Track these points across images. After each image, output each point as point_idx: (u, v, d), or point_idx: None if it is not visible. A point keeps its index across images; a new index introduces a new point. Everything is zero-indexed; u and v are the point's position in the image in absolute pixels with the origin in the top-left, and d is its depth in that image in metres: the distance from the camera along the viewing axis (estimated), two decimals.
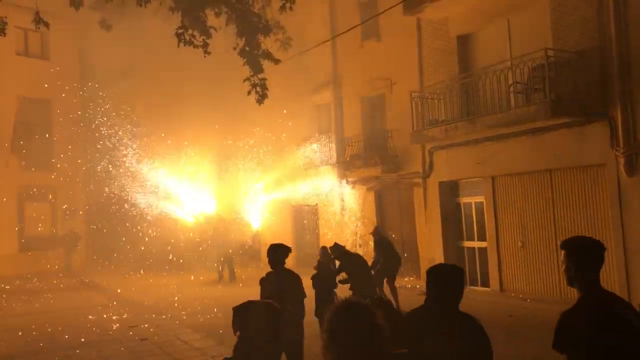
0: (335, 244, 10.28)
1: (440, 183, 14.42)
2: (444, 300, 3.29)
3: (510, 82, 11.72)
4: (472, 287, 13.65)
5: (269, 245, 6.25)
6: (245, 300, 4.77)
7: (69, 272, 21.35)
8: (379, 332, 2.30)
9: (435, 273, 3.38)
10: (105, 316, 12.39)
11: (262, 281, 6.18)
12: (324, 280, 8.69)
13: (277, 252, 6.11)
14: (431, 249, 14.58)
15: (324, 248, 10.64)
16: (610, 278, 10.23)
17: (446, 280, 3.32)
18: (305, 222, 20.37)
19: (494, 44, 13.15)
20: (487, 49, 13.35)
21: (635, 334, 2.95)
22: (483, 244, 13.51)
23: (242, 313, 4.51)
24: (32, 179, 22.30)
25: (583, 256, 3.17)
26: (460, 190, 14.40)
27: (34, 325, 11.42)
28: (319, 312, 8.06)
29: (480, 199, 13.67)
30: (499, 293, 12.76)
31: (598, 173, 10.98)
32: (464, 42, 13.88)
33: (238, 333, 4.45)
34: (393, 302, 9.73)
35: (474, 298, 12.72)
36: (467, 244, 14.05)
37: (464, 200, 14.28)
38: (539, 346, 8.40)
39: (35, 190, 22.45)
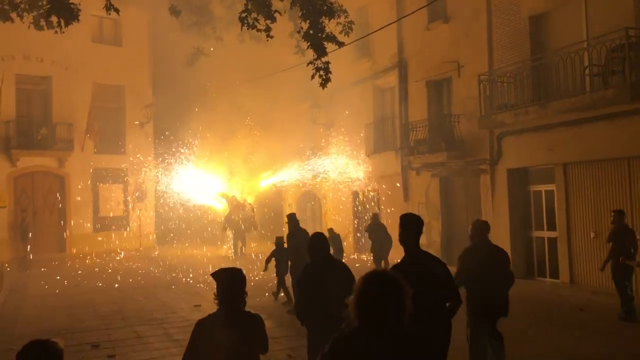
0: (290, 215, 10.92)
1: (509, 170, 13.90)
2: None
3: (586, 64, 11.09)
4: (540, 279, 13.18)
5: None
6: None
7: (140, 251, 22.25)
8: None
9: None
10: (171, 295, 12.81)
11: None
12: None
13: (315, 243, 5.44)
14: (498, 239, 14.00)
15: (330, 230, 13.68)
16: None
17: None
18: (367, 207, 20.22)
19: (569, 24, 12.46)
20: (562, 30, 12.67)
21: (433, 274, 4.45)
22: (553, 234, 12.96)
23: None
24: (105, 162, 23.31)
25: (406, 227, 4.59)
26: (529, 177, 13.84)
27: (107, 300, 11.98)
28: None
29: (551, 187, 13.09)
30: (569, 285, 12.21)
31: None
32: (537, 22, 13.22)
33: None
34: None
35: (542, 290, 12.31)
36: (536, 233, 13.51)
37: (533, 188, 13.73)
38: (614, 342, 8.02)
39: (108, 173, 23.46)
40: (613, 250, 9.16)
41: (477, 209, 14.94)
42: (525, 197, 13.87)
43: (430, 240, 16.40)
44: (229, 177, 24.95)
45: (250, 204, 22.97)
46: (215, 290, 3.79)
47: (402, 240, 4.60)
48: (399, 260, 4.60)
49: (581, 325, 8.84)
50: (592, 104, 10.86)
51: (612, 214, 9.53)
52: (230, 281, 3.75)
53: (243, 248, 20.97)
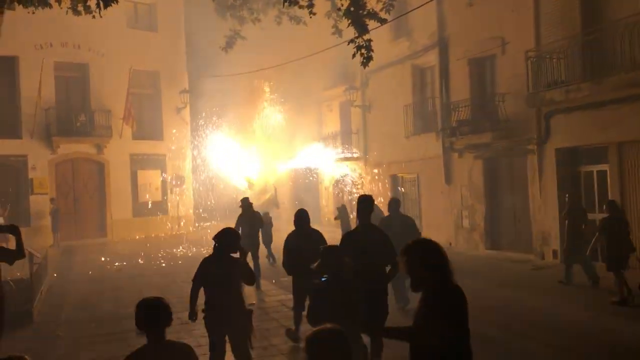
0: (244, 199, 12.60)
1: (558, 150, 13.32)
2: None
3: None
4: (593, 263, 12.60)
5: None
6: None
7: (180, 234, 22.38)
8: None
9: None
10: None
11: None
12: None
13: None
14: (545, 223, 13.60)
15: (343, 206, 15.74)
16: None
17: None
18: (403, 191, 19.82)
19: None
20: (616, 1, 11.96)
21: (375, 241, 5.98)
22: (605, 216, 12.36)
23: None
24: (143, 148, 23.46)
25: (359, 205, 6.28)
26: (580, 158, 13.24)
27: (150, 285, 11.99)
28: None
29: (603, 167, 12.49)
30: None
31: None
32: None
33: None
34: None
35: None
36: (588, 216, 12.92)
37: (584, 169, 13.13)
38: None
39: (146, 158, 23.62)
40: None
41: (524, 191, 14.42)
42: (575, 178, 13.28)
43: (473, 225, 15.96)
44: (264, 161, 25.09)
45: (273, 184, 23.38)
46: None
47: (357, 215, 6.39)
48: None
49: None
50: None
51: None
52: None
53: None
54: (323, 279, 4.92)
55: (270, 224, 15.30)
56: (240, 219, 12.14)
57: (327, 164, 23.81)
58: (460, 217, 16.53)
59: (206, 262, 5.68)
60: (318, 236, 7.42)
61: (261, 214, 13.62)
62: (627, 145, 11.77)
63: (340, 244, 5.89)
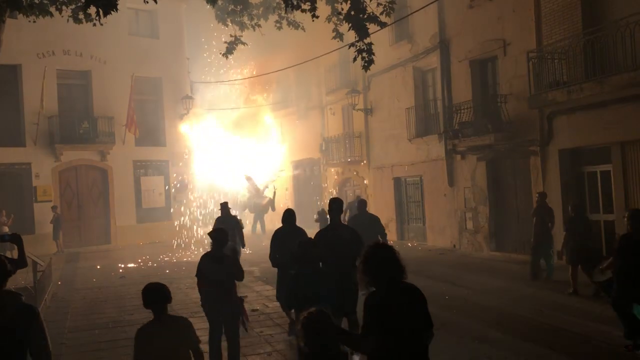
0: (223, 203, 12.82)
1: (561, 151, 13.27)
2: None
3: None
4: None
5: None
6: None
7: (183, 240, 22.38)
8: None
9: None
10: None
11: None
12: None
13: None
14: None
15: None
16: None
17: None
18: (409, 194, 19.79)
19: None
20: (618, 0, 11.92)
21: (345, 237, 7.00)
22: (610, 217, 12.32)
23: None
24: (146, 154, 23.50)
25: (330, 206, 7.30)
26: (583, 158, 13.18)
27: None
28: None
29: (607, 167, 12.43)
30: None
31: None
32: None
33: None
34: None
35: None
36: (592, 216, 12.86)
37: (587, 169, 13.08)
38: None
39: (149, 165, 23.66)
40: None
41: (527, 192, 14.36)
42: (578, 178, 13.23)
43: (477, 227, 15.90)
44: (266, 164, 25.43)
45: (273, 187, 24.17)
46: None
47: (329, 215, 7.41)
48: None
49: None
50: None
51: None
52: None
53: (263, 227, 23.10)
54: (301, 270, 5.83)
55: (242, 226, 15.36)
56: (218, 222, 12.27)
57: (330, 167, 23.84)
58: (463, 219, 16.48)
59: (205, 257, 6.66)
60: (301, 232, 8.10)
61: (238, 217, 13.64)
62: (630, 145, 11.70)
63: (314, 239, 6.62)
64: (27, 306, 3.80)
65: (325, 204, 21.51)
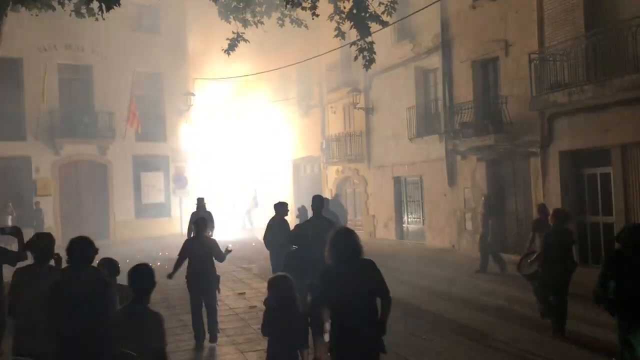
0: (200, 198, 14.66)
1: (561, 153, 13.26)
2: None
3: None
4: (596, 265, 12.55)
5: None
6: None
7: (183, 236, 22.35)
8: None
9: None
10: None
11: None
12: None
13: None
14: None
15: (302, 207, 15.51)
16: None
17: None
18: (409, 193, 19.79)
19: None
20: (621, 1, 11.92)
21: (323, 227, 7.26)
22: (609, 219, 12.31)
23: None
24: (146, 149, 23.50)
25: (313, 202, 8.78)
26: (583, 160, 13.18)
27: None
28: None
29: (607, 170, 12.42)
30: None
31: None
32: None
33: None
34: None
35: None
36: (591, 219, 12.88)
37: (587, 171, 13.07)
38: None
39: (149, 160, 23.66)
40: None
41: (527, 193, 14.37)
42: (578, 180, 13.23)
43: (476, 227, 15.88)
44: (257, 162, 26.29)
45: (253, 186, 26.54)
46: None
47: (312, 209, 8.82)
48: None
49: None
50: None
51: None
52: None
53: (252, 223, 25.18)
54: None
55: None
56: (192, 216, 13.44)
57: (330, 166, 23.84)
58: (463, 220, 16.49)
59: (188, 241, 8.55)
60: (287, 222, 9.90)
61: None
62: (630, 147, 11.69)
63: (293, 229, 8.23)
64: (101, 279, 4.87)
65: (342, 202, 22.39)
